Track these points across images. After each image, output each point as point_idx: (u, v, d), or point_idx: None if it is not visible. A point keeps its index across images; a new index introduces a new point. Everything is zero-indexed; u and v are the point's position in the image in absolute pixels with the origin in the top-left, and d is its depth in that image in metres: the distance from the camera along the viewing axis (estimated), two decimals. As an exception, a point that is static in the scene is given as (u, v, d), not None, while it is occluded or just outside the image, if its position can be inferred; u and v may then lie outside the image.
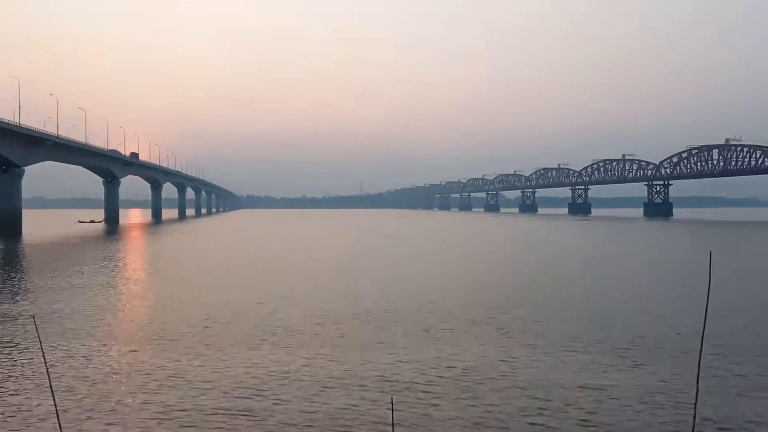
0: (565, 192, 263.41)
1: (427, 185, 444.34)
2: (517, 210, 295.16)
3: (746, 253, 57.93)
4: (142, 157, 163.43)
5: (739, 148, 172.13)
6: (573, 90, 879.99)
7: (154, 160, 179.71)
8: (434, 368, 16.56)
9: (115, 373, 16.17)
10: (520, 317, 24.00)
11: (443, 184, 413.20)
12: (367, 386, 14.98)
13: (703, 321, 4.99)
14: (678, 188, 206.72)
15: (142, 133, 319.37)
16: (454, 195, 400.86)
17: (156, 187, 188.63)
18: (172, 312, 25.28)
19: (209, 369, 16.58)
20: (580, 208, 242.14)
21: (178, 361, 17.43)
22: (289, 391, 14.71)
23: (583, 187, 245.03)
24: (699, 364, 4.76)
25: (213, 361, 17.43)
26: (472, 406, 13.60)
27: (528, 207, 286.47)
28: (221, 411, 13.27)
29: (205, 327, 22.15)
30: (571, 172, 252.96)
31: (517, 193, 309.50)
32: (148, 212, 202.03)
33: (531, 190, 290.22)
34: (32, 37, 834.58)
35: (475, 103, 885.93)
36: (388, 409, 13.08)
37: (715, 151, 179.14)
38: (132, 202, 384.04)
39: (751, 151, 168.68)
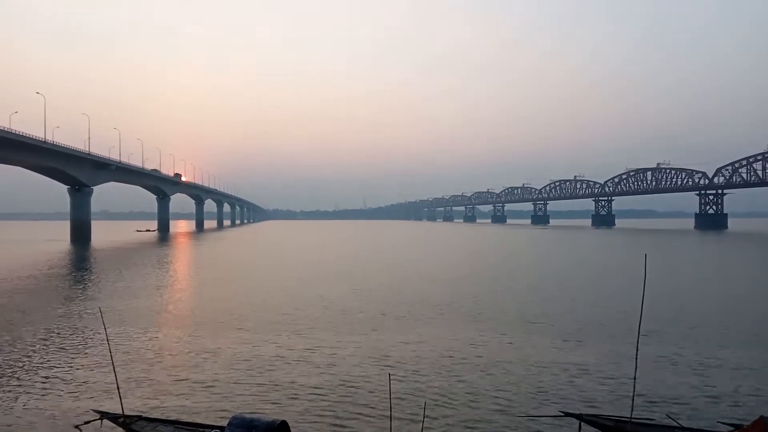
0: (529, 206, 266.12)
1: (417, 201, 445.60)
2: (490, 221, 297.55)
3: (671, 253, 57.98)
4: (187, 179, 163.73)
5: (668, 171, 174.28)
6: (535, 120, 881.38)
7: (198, 181, 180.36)
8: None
9: (167, 353, 16.13)
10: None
11: (430, 200, 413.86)
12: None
13: (640, 309, 5.05)
14: (619, 203, 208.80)
15: (188, 158, 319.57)
16: (439, 209, 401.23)
17: (199, 203, 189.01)
18: (220, 303, 25.18)
19: (249, 347, 16.52)
20: (540, 219, 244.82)
21: (220, 341, 17.39)
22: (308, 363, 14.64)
23: (542, 202, 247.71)
24: (637, 344, 4.77)
25: (251, 342, 17.37)
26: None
27: (498, 218, 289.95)
28: (256, 384, 13.23)
29: (242, 315, 22.05)
30: (533, 189, 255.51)
31: (490, 207, 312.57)
32: (193, 223, 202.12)
33: (501, 205, 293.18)
34: (95, 77, 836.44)
35: (467, 124, 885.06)
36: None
37: (649, 173, 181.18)
38: (179, 215, 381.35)
39: (678, 172, 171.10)
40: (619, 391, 12.49)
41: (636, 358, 4.91)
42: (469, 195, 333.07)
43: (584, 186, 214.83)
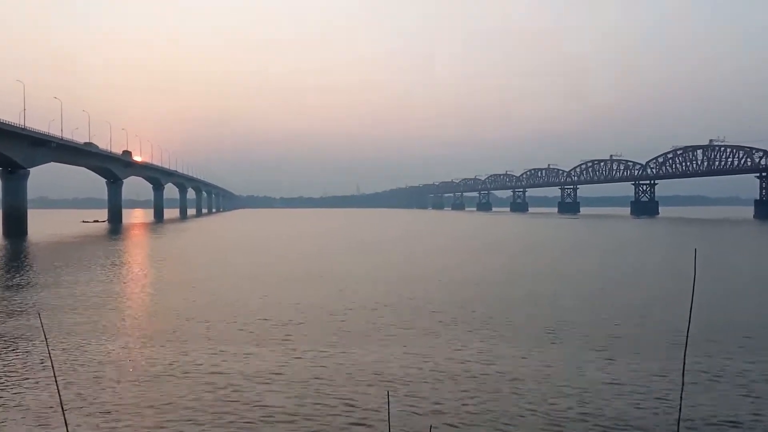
0: (555, 192, 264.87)
1: (421, 185, 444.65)
2: (508, 209, 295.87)
3: (727, 250, 58.16)
4: (144, 158, 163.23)
5: (722, 149, 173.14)
6: (561, 92, 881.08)
7: (156, 162, 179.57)
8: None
9: (115, 367, 16.12)
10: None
11: (437, 184, 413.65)
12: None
13: (689, 315, 5.06)
14: (663, 187, 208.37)
15: (144, 135, 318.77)
16: (447, 195, 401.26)
17: (158, 188, 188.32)
18: (173, 307, 25.20)
19: (206, 363, 16.53)
20: (569, 207, 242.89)
21: (170, 353, 17.40)
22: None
23: (571, 186, 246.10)
24: (684, 357, 4.75)
25: (208, 355, 17.38)
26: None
27: (519, 206, 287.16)
28: (220, 402, 13.26)
29: (202, 322, 22.07)
30: (560, 172, 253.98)
31: (509, 192, 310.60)
32: (150, 212, 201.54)
33: (522, 190, 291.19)
34: (35, 39, 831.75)
35: (465, 108, 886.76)
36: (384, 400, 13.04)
37: (699, 151, 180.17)
38: (134, 203, 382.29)
39: (734, 151, 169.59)
40: (662, 415, 12.54)
41: (683, 375, 4.88)
42: (483, 178, 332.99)
43: (622, 167, 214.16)
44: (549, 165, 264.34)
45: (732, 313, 23.81)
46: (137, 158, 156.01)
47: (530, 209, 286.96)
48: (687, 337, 4.79)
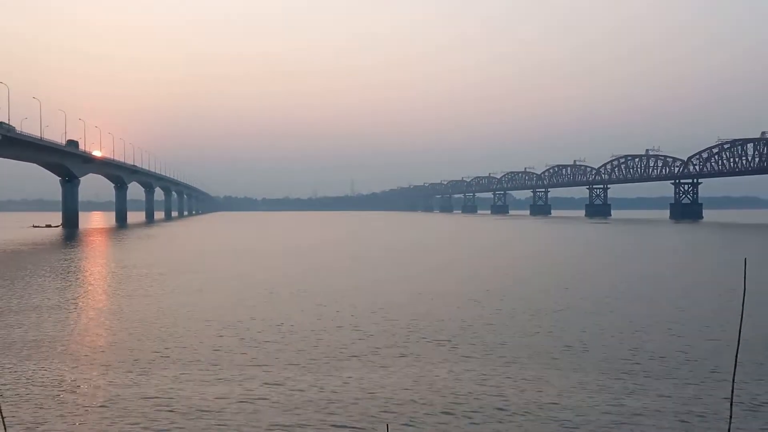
0: (582, 192, 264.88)
1: (427, 185, 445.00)
2: (527, 212, 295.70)
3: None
4: (105, 154, 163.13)
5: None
6: (589, 80, 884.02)
7: (119, 157, 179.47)
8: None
9: (64, 394, 16.00)
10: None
11: (445, 183, 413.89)
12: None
13: (738, 333, 5.02)
14: (708, 187, 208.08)
15: (105, 127, 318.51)
16: (456, 195, 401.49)
17: (120, 187, 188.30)
18: (132, 332, 25.08)
19: (160, 390, 16.41)
20: (598, 209, 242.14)
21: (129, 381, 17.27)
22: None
23: (601, 186, 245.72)
24: (733, 378, 4.66)
25: (165, 380, 17.25)
26: None
27: (540, 209, 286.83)
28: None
29: (159, 349, 21.95)
30: (588, 169, 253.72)
31: (528, 193, 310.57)
32: (112, 215, 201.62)
33: (543, 190, 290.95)
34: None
35: (479, 98, 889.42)
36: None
37: (750, 145, 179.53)
38: (93, 204, 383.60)
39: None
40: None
41: (731, 403, 4.74)
42: (498, 177, 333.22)
43: (659, 163, 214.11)
44: (575, 161, 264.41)
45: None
46: (96, 153, 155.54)
47: (553, 212, 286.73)
48: (736, 358, 4.65)
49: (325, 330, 24.49)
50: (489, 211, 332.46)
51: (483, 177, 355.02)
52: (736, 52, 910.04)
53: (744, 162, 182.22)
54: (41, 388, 16.89)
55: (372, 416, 14.62)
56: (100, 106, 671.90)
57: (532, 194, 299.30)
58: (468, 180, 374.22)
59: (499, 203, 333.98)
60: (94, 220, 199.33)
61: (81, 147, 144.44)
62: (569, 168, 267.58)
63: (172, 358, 20.06)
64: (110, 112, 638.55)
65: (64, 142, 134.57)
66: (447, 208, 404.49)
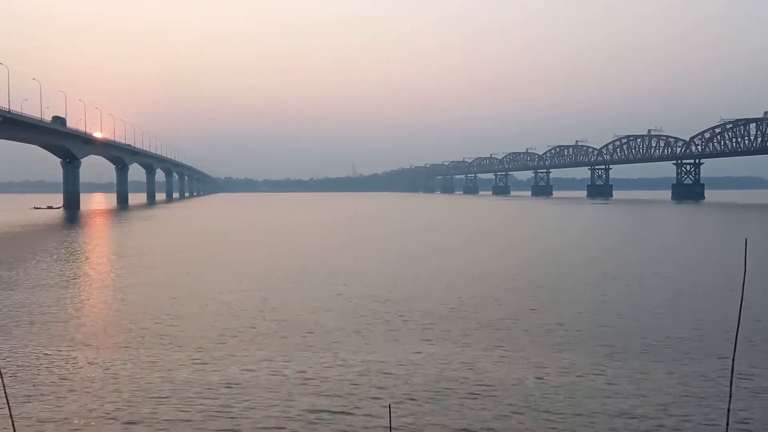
0: (584, 172, 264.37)
1: (428, 165, 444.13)
2: (529, 193, 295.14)
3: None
4: (106, 135, 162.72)
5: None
6: (591, 58, 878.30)
7: (120, 139, 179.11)
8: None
9: (65, 375, 16.12)
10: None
11: (446, 164, 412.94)
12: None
13: (738, 314, 5.02)
14: (711, 167, 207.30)
15: (105, 108, 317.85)
16: (458, 176, 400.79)
17: (121, 168, 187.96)
18: (130, 314, 25.20)
19: (152, 370, 16.52)
20: (600, 190, 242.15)
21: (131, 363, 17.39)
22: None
23: (603, 166, 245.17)
24: (733, 361, 4.72)
25: (155, 361, 17.36)
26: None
27: (541, 189, 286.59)
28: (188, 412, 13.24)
29: (156, 331, 22.05)
30: (590, 150, 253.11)
31: (529, 174, 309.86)
32: (113, 196, 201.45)
33: (545, 171, 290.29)
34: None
35: (481, 74, 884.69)
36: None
37: (753, 125, 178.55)
38: (94, 186, 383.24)
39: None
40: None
41: (731, 385, 4.77)
42: (500, 158, 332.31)
43: (662, 144, 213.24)
44: (577, 141, 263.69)
45: None
46: (97, 134, 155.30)
47: (555, 193, 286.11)
48: (736, 339, 4.67)
49: (314, 312, 24.62)
50: (491, 192, 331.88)
51: (484, 158, 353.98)
52: (737, 30, 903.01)
53: (746, 142, 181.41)
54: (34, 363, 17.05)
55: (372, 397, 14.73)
56: (100, 87, 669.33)
57: (533, 175, 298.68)
58: (469, 161, 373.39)
59: (501, 184, 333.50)
60: (96, 202, 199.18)
61: (82, 129, 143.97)
62: (571, 149, 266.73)
63: (164, 339, 20.18)
64: (112, 93, 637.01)
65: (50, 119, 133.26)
66: (449, 189, 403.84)
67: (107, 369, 17.04)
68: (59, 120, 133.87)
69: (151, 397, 14.74)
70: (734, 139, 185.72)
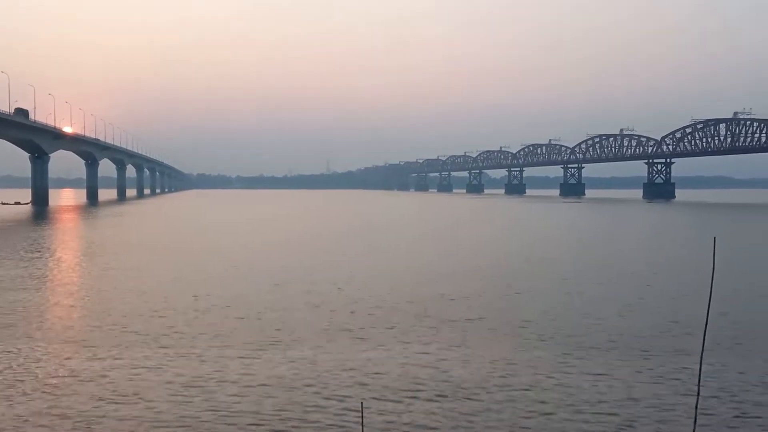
0: (557, 171, 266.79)
1: (402, 163, 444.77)
2: (503, 191, 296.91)
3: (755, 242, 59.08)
4: (76, 130, 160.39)
5: (748, 123, 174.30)
6: (565, 58, 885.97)
7: (90, 133, 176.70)
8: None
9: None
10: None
11: (421, 162, 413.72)
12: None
13: (706, 312, 5.04)
14: (682, 167, 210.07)
15: (75, 102, 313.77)
16: (432, 174, 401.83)
17: (91, 164, 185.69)
18: (105, 311, 24.87)
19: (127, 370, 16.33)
20: (572, 188, 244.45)
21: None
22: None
23: (576, 165, 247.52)
24: (701, 359, 4.75)
25: (116, 359, 17.17)
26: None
27: (515, 188, 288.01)
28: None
29: (125, 330, 21.80)
30: (563, 148, 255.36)
31: (503, 172, 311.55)
32: (83, 192, 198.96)
33: (518, 169, 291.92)
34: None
35: (456, 73, 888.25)
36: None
37: (722, 125, 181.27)
38: (63, 181, 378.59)
39: (762, 126, 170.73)
40: None
41: (698, 384, 4.76)
42: (474, 156, 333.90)
43: (634, 143, 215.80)
44: (550, 140, 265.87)
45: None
46: (67, 129, 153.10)
47: (528, 191, 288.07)
48: (704, 336, 4.66)
49: (286, 309, 24.50)
50: (464, 190, 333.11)
51: (458, 156, 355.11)
52: (709, 32, 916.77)
53: (716, 142, 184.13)
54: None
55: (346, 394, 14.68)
56: (71, 81, 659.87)
57: (507, 173, 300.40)
58: (444, 159, 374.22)
59: (475, 182, 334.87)
60: (65, 198, 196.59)
61: (51, 123, 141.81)
62: (544, 147, 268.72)
63: (118, 338, 19.95)
64: (82, 87, 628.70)
65: (33, 117, 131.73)
66: (422, 186, 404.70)
67: (65, 367, 16.81)
68: (22, 112, 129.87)
69: (110, 397, 14.56)
70: (705, 139, 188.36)
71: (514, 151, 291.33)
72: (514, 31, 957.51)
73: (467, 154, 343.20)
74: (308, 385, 15.28)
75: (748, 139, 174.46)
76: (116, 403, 14.15)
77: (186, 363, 17.17)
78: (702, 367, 5.90)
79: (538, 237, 61.86)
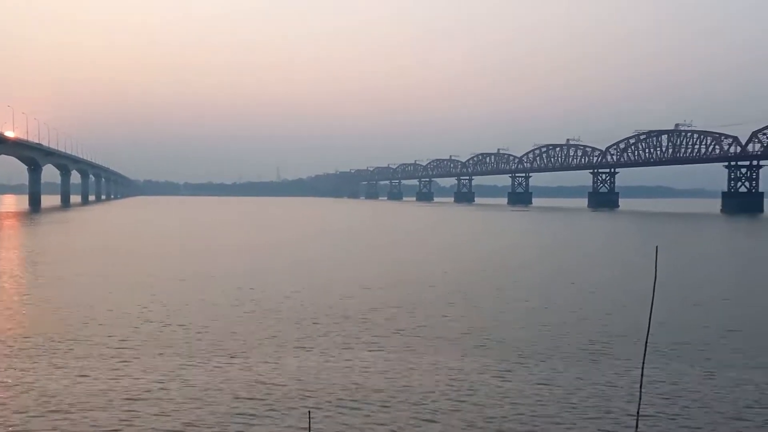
0: (505, 180, 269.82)
1: (353, 171, 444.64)
2: (452, 199, 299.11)
3: (689, 245, 60.63)
4: (18, 134, 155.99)
5: (689, 135, 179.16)
6: (515, 69, 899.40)
7: (33, 138, 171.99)
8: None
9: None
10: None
11: (371, 170, 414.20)
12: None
13: (648, 320, 5.13)
14: (625, 177, 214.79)
15: (17, 105, 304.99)
16: (383, 182, 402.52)
17: (34, 170, 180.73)
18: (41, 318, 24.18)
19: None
20: (520, 197, 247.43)
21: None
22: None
23: (523, 174, 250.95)
24: (643, 367, 4.88)
25: (56, 369, 16.74)
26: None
27: (464, 196, 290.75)
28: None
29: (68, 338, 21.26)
30: (511, 158, 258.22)
31: (453, 180, 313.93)
32: (25, 198, 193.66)
33: (467, 178, 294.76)
34: None
35: (405, 83, 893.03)
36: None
37: (665, 136, 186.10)
38: (5, 187, 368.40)
39: (701, 137, 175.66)
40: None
41: (641, 385, 4.83)
42: (424, 164, 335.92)
43: (579, 153, 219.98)
44: (499, 150, 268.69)
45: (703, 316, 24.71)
46: (9, 134, 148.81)
47: (477, 199, 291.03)
48: (646, 345, 4.72)
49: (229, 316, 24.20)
50: (414, 198, 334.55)
51: (409, 164, 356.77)
52: (658, 47, 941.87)
53: (658, 153, 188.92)
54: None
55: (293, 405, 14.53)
56: (13, 82, 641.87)
57: (456, 182, 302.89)
58: (394, 167, 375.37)
59: (425, 190, 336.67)
60: (6, 204, 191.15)
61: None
62: (493, 156, 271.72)
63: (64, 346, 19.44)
64: (25, 90, 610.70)
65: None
66: (373, 194, 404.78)
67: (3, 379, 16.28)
68: None
69: (49, 408, 14.14)
70: (647, 150, 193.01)
71: (464, 160, 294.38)
72: (464, 45, 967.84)
73: (417, 162, 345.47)
74: (253, 396, 15.10)
75: (689, 150, 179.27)
76: (54, 413, 13.76)
77: (126, 373, 16.80)
78: (644, 372, 6.06)
79: (488, 246, 62.38)
